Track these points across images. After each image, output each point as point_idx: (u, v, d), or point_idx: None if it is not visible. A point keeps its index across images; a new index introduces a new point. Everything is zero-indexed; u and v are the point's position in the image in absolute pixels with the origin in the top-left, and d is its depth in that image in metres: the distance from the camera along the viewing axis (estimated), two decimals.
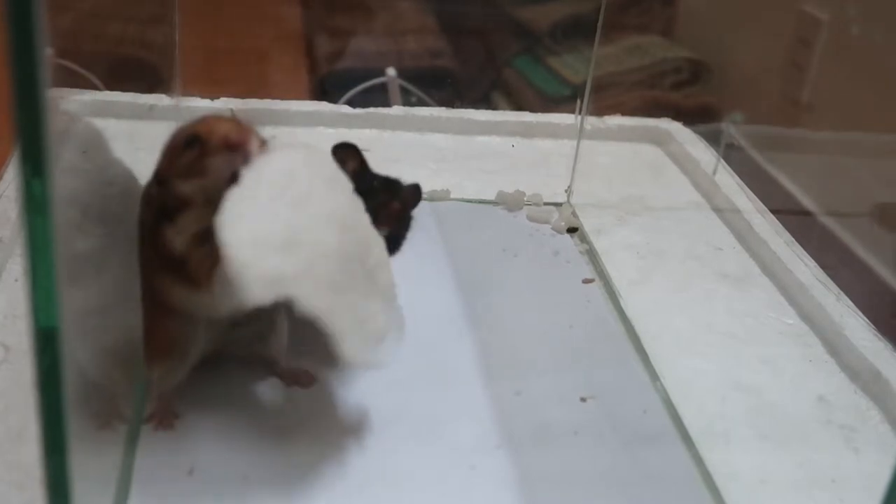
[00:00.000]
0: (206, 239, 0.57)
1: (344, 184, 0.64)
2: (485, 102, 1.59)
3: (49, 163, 0.37)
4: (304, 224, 0.58)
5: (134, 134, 0.82)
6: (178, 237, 0.60)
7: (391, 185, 0.77)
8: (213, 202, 0.57)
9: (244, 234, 0.55)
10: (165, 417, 0.65)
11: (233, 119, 0.61)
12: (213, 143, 0.59)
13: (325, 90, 1.50)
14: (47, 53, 0.36)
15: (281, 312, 0.68)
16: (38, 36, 0.35)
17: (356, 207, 0.64)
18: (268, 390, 0.69)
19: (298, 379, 0.70)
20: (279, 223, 0.57)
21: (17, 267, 0.76)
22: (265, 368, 0.70)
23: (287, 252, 0.56)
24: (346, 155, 0.77)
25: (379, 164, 0.79)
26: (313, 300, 0.57)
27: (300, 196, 0.59)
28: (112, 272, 0.65)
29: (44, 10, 0.35)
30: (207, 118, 0.61)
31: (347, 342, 0.58)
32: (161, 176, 0.61)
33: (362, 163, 0.78)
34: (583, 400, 0.71)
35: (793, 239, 0.93)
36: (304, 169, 0.61)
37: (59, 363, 0.40)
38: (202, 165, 0.59)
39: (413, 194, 0.81)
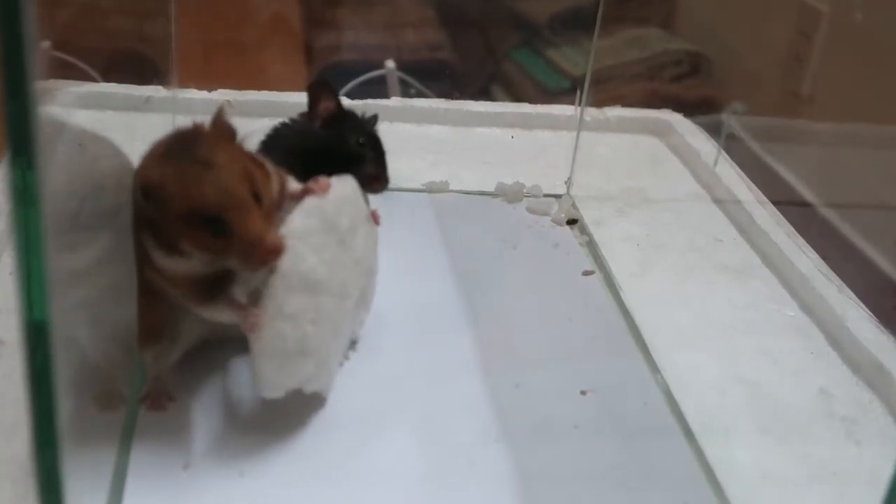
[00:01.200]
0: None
1: (361, 227, 0.67)
2: (484, 95, 1.58)
3: (39, 155, 0.36)
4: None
5: (131, 125, 0.81)
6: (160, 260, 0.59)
7: (374, 142, 0.77)
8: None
9: None
10: (159, 398, 0.65)
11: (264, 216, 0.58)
12: (249, 254, 0.56)
13: None
14: (40, 46, 0.36)
15: None
16: (27, 28, 0.34)
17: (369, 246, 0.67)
18: None
19: None
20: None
21: (10, 260, 0.76)
22: None
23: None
24: (321, 93, 0.77)
25: None
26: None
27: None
28: (109, 260, 0.65)
29: (33, 2, 0.34)
30: (234, 189, 0.57)
31: (260, 366, 0.61)
32: (161, 203, 0.57)
33: (338, 104, 0.78)
34: (582, 393, 0.71)
35: (794, 230, 0.92)
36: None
37: (50, 357, 0.39)
38: (223, 251, 0.57)
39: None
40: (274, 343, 0.60)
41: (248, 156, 0.61)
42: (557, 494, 0.62)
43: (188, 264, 0.58)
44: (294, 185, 0.65)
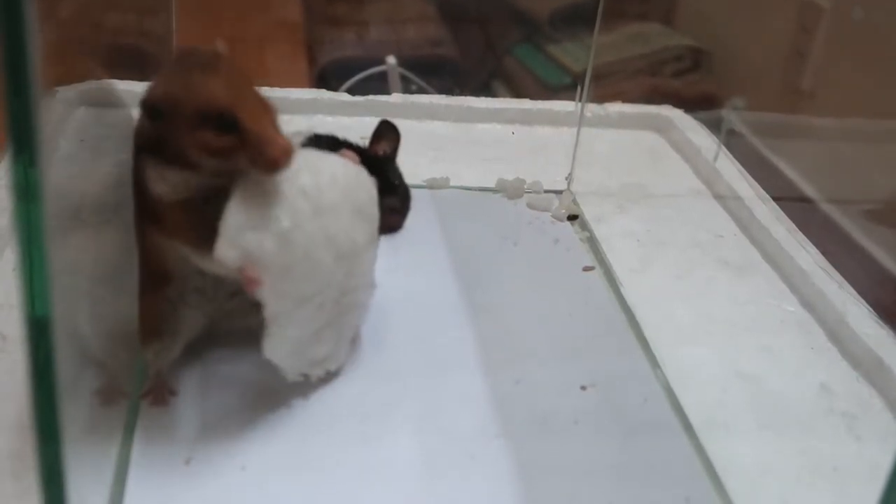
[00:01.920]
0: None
1: (370, 216, 0.67)
2: (485, 91, 1.59)
3: (41, 152, 0.36)
4: (306, 229, 0.61)
5: (132, 122, 0.81)
6: (162, 184, 0.59)
7: (405, 191, 0.77)
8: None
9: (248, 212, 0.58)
10: (161, 394, 0.65)
11: (272, 116, 0.59)
12: (258, 152, 0.57)
13: (325, 79, 1.50)
14: (39, 41, 0.36)
15: None
16: (29, 24, 0.34)
17: (367, 241, 0.67)
18: (265, 375, 0.69)
19: None
20: (284, 218, 0.59)
21: (13, 256, 0.76)
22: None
23: (271, 238, 0.59)
24: (386, 135, 0.78)
25: None
26: (268, 295, 0.60)
27: (322, 207, 0.62)
28: (111, 256, 0.65)
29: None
30: (245, 93, 0.58)
31: (271, 346, 0.62)
32: (171, 113, 0.57)
33: (395, 150, 0.79)
34: (583, 388, 0.71)
35: (794, 226, 0.92)
36: (342, 185, 0.64)
37: (52, 352, 0.39)
38: (235, 158, 0.57)
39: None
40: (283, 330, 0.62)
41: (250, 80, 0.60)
42: (557, 489, 0.62)
43: (195, 178, 0.58)
44: None
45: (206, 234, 0.59)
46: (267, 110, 0.58)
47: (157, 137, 0.58)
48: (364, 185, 0.67)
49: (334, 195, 0.64)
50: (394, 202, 0.76)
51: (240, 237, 0.58)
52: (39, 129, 0.36)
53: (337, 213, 0.64)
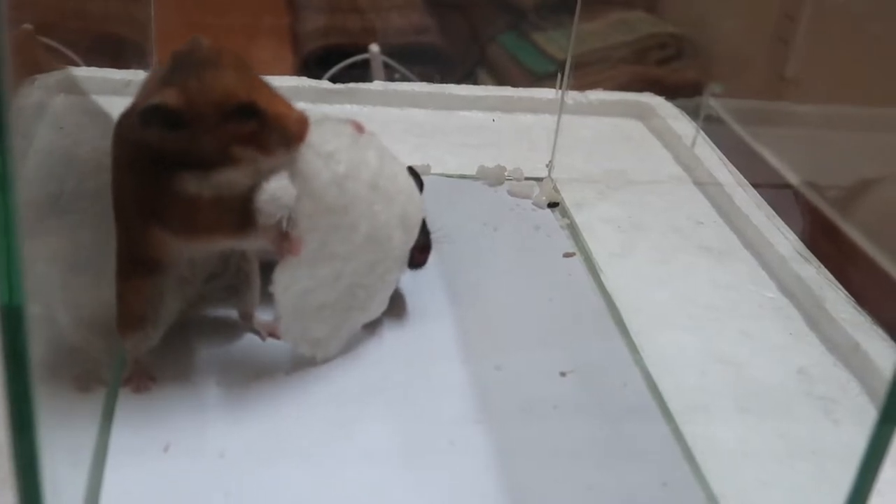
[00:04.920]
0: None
1: (410, 229, 0.70)
2: (470, 79, 1.58)
3: (8, 138, 0.36)
4: (358, 189, 0.64)
5: (111, 109, 0.81)
6: (200, 185, 0.60)
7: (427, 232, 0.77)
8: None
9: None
10: (141, 380, 0.65)
11: (278, 94, 0.60)
12: (280, 129, 0.59)
13: (309, 67, 1.49)
14: (22, 29, 0.36)
15: (254, 264, 0.69)
16: None
17: (400, 249, 0.70)
18: (244, 359, 0.69)
19: (273, 331, 0.70)
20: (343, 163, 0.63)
21: None
22: (239, 323, 0.71)
23: (327, 174, 0.63)
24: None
25: None
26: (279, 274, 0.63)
27: (378, 185, 0.66)
28: (90, 243, 0.65)
29: None
30: (252, 79, 0.59)
31: (280, 299, 0.65)
32: (186, 121, 0.57)
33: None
34: (562, 374, 0.71)
35: (773, 212, 0.93)
36: (404, 188, 0.68)
37: (26, 343, 0.39)
38: (262, 140, 0.59)
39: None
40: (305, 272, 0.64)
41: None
42: (537, 474, 0.62)
43: (235, 173, 0.59)
44: None
45: (244, 218, 0.61)
46: (272, 89, 0.60)
47: (180, 145, 0.58)
48: (419, 203, 0.70)
49: (392, 186, 0.66)
50: (422, 240, 0.76)
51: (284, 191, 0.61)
52: (8, 115, 0.36)
53: (389, 202, 0.66)
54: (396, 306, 0.76)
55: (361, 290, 0.68)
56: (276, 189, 0.60)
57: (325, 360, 0.68)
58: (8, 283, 0.38)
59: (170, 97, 0.57)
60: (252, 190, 0.60)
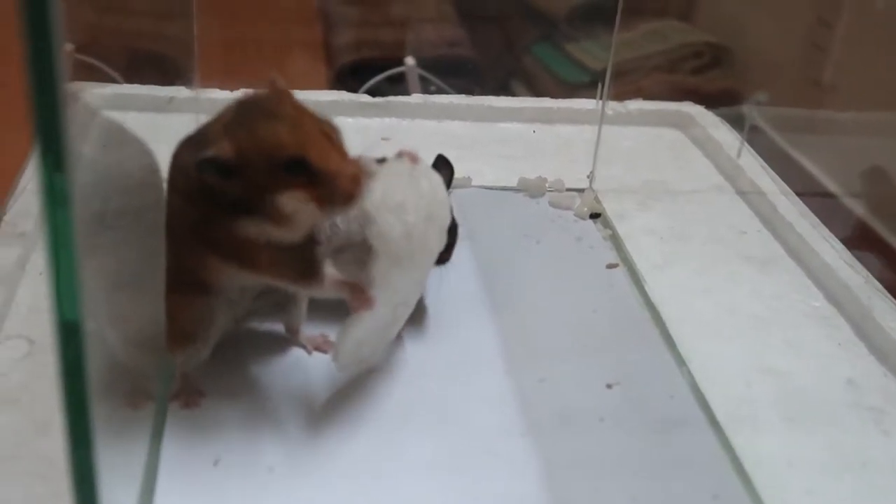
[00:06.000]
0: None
1: (443, 234, 0.69)
2: (504, 90, 1.58)
3: (69, 156, 0.36)
4: (421, 229, 0.65)
5: (154, 126, 0.82)
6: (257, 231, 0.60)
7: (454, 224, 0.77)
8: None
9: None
10: (191, 396, 0.66)
11: (338, 145, 0.60)
12: (332, 187, 0.58)
13: (342, 80, 1.50)
14: (66, 47, 0.36)
15: None
16: (55, 27, 0.35)
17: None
18: (290, 374, 0.69)
19: (319, 345, 0.71)
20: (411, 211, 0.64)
21: (40, 260, 0.76)
22: (285, 336, 0.72)
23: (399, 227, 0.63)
24: (441, 169, 0.78)
25: None
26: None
27: (431, 213, 0.66)
28: (135, 260, 0.65)
29: (60, 2, 0.35)
30: (308, 132, 0.58)
31: (343, 347, 0.64)
32: (231, 167, 0.58)
33: (448, 184, 0.79)
34: (608, 387, 0.70)
35: (819, 221, 0.92)
36: (441, 198, 0.68)
37: (83, 356, 0.40)
38: (315, 195, 0.58)
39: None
40: (370, 323, 0.64)
41: (311, 111, 0.61)
42: (582, 486, 0.62)
43: (287, 230, 0.59)
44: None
45: (306, 267, 0.62)
46: (331, 139, 0.59)
47: (235, 192, 0.58)
48: (447, 202, 0.70)
49: (438, 205, 0.67)
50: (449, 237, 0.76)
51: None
52: (68, 133, 0.36)
53: (436, 223, 0.67)
54: (439, 318, 0.76)
55: (404, 308, 0.68)
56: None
57: (368, 371, 0.69)
58: (67, 298, 0.38)
59: (222, 150, 0.57)
60: (313, 240, 0.62)
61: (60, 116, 0.36)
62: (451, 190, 0.74)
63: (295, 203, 0.57)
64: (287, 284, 0.64)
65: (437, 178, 0.68)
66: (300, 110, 0.59)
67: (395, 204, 0.63)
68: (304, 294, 0.68)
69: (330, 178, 0.57)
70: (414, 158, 0.67)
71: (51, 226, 0.38)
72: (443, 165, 0.82)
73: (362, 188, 0.58)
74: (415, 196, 0.65)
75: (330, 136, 0.59)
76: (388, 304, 0.65)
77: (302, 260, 0.61)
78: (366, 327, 0.64)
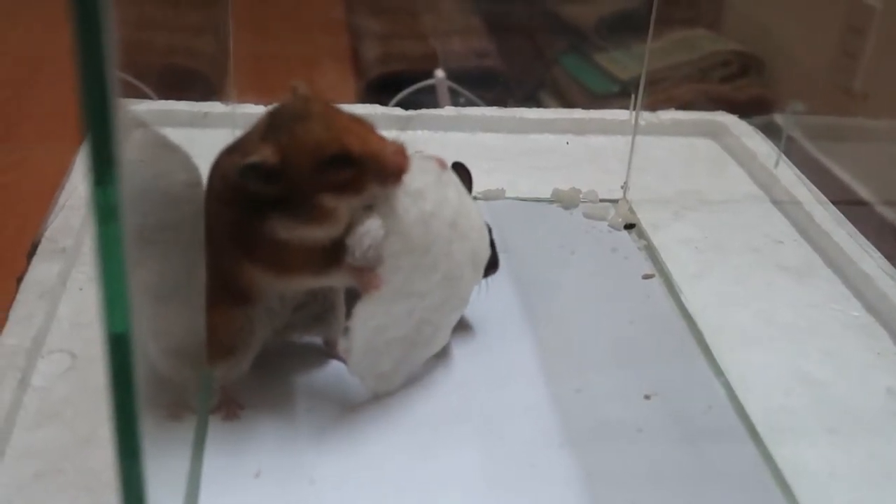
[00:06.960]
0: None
1: (480, 263, 0.70)
2: (533, 101, 1.59)
3: (119, 170, 0.37)
4: (441, 228, 0.65)
5: (190, 141, 0.82)
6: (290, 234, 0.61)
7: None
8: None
9: None
10: (231, 408, 0.66)
11: (371, 130, 0.61)
12: (375, 168, 0.60)
13: (372, 93, 1.51)
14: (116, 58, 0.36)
15: (340, 294, 0.70)
16: (107, 39, 0.35)
17: (470, 284, 0.70)
18: (329, 386, 0.70)
19: None
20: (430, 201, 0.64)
21: (81, 276, 0.77)
22: (323, 349, 0.73)
23: (415, 212, 0.63)
24: (459, 176, 0.78)
25: None
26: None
27: (457, 223, 0.66)
28: (174, 274, 0.66)
29: (112, 13, 0.35)
30: (343, 124, 0.60)
31: (354, 334, 0.65)
32: (276, 172, 0.59)
33: (468, 188, 0.79)
34: (646, 397, 0.70)
35: (856, 230, 0.91)
36: (476, 223, 0.69)
37: (131, 368, 0.40)
38: (358, 184, 0.60)
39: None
40: (380, 308, 0.64)
41: (337, 107, 0.62)
42: (622, 497, 0.62)
43: (323, 229, 0.61)
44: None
45: (328, 259, 0.63)
46: (364, 126, 0.61)
47: (277, 195, 0.60)
48: (487, 240, 0.71)
49: (467, 223, 0.67)
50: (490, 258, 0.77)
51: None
52: (118, 147, 0.36)
53: (464, 240, 0.67)
54: (477, 329, 0.76)
55: (429, 327, 0.68)
56: (367, 230, 0.62)
57: (387, 394, 0.69)
58: (117, 310, 0.39)
59: (267, 155, 0.58)
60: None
61: (112, 131, 0.36)
62: (475, 196, 0.73)
63: (336, 200, 0.59)
64: (310, 278, 0.65)
65: (466, 195, 0.69)
66: (328, 108, 0.61)
67: (414, 189, 0.63)
68: (325, 283, 0.67)
69: (375, 158, 0.59)
70: (442, 164, 0.67)
71: (101, 240, 0.38)
72: (460, 172, 0.82)
73: (409, 159, 0.60)
74: (439, 194, 0.65)
75: (362, 123, 0.61)
76: (399, 294, 0.64)
77: (323, 253, 0.63)
78: (375, 315, 0.64)
